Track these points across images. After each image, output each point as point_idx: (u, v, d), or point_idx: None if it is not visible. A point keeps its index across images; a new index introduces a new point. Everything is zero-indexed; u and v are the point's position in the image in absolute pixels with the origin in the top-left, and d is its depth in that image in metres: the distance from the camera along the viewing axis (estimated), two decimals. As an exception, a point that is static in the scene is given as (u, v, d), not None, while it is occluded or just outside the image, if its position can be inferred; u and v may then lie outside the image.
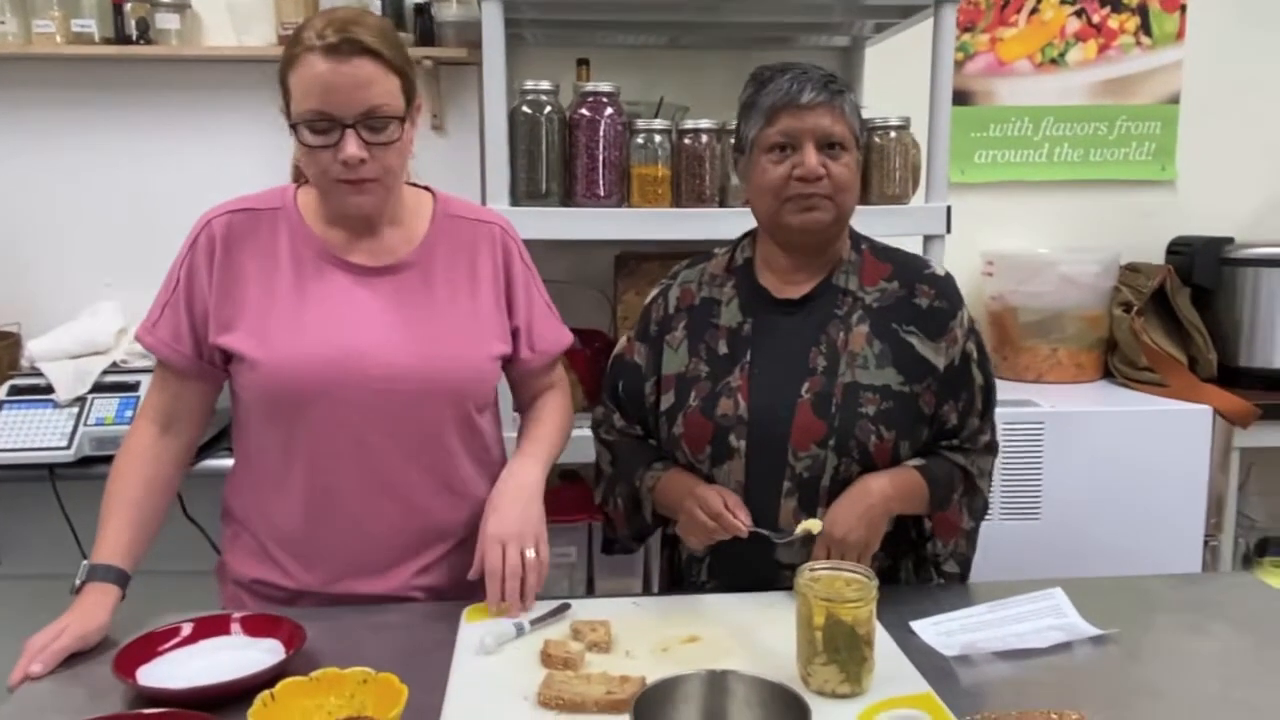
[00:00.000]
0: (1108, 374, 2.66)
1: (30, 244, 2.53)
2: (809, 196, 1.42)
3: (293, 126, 1.36)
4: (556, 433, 1.58)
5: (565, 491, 2.37)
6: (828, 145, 1.42)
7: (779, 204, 1.44)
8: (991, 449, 1.56)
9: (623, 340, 1.64)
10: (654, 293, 1.61)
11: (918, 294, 1.49)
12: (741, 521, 1.37)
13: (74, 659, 1.27)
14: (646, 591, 2.28)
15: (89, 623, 1.30)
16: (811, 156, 1.41)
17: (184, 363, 1.44)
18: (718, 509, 1.38)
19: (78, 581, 1.35)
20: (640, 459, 1.56)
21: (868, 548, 1.40)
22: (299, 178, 1.50)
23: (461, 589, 1.51)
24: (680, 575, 1.60)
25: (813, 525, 1.39)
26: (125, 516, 1.40)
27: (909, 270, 1.52)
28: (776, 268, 1.52)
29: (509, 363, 1.55)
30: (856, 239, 1.54)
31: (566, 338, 1.61)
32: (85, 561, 1.37)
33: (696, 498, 1.41)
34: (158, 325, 1.44)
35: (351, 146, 1.33)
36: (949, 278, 1.53)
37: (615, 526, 1.65)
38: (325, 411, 1.40)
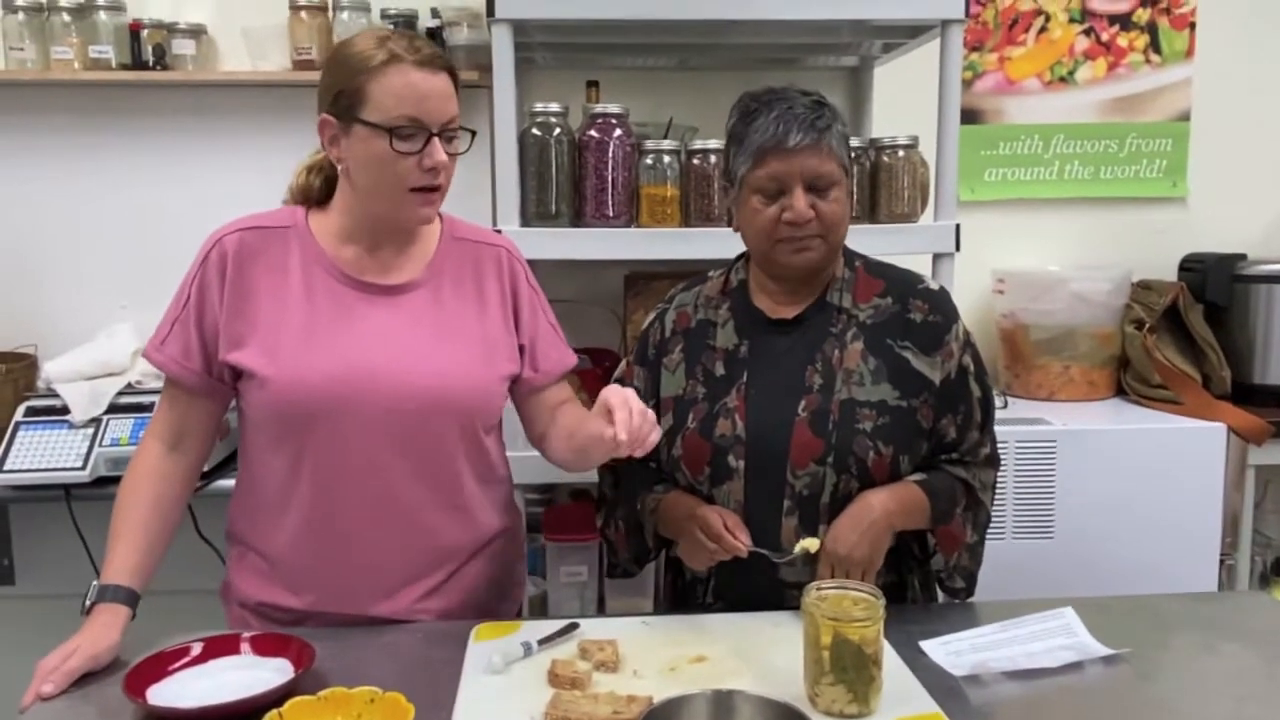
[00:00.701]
0: (1120, 392, 2.65)
1: (48, 266, 2.56)
2: (800, 239, 1.43)
3: (368, 129, 1.35)
4: None
5: (575, 510, 2.38)
6: (816, 185, 1.42)
7: (770, 245, 1.45)
8: (992, 461, 1.56)
9: (622, 364, 1.65)
10: (650, 317, 1.62)
11: (911, 309, 1.49)
12: (741, 542, 1.38)
13: (85, 679, 1.28)
14: (657, 611, 2.28)
15: (100, 643, 1.31)
16: (800, 200, 1.41)
17: (193, 380, 1.45)
18: (718, 531, 1.38)
19: (88, 602, 1.36)
20: (641, 482, 1.57)
21: (871, 564, 1.39)
22: (305, 200, 1.51)
23: (468, 610, 1.52)
24: (684, 597, 1.60)
25: (810, 544, 1.39)
26: (134, 537, 1.41)
27: (902, 285, 1.52)
28: (770, 290, 1.53)
29: (514, 384, 1.55)
30: (850, 256, 1.55)
31: (571, 359, 1.61)
32: (95, 582, 1.38)
33: (697, 519, 1.41)
34: (167, 342, 1.45)
35: (440, 153, 1.38)
36: (943, 292, 1.54)
37: (617, 550, 1.65)
38: (333, 429, 1.41)
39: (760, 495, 1.45)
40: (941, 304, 1.51)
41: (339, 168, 1.44)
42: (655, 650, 1.34)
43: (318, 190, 1.50)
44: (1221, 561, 2.39)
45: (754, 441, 1.45)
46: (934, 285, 1.54)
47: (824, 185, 1.42)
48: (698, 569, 1.47)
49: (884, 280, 1.53)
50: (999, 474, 1.60)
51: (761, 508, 1.45)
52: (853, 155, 1.52)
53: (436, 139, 1.38)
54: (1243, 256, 2.63)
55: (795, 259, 1.45)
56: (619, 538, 1.62)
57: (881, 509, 1.41)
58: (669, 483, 1.55)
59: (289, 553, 1.47)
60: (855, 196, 1.53)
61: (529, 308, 1.56)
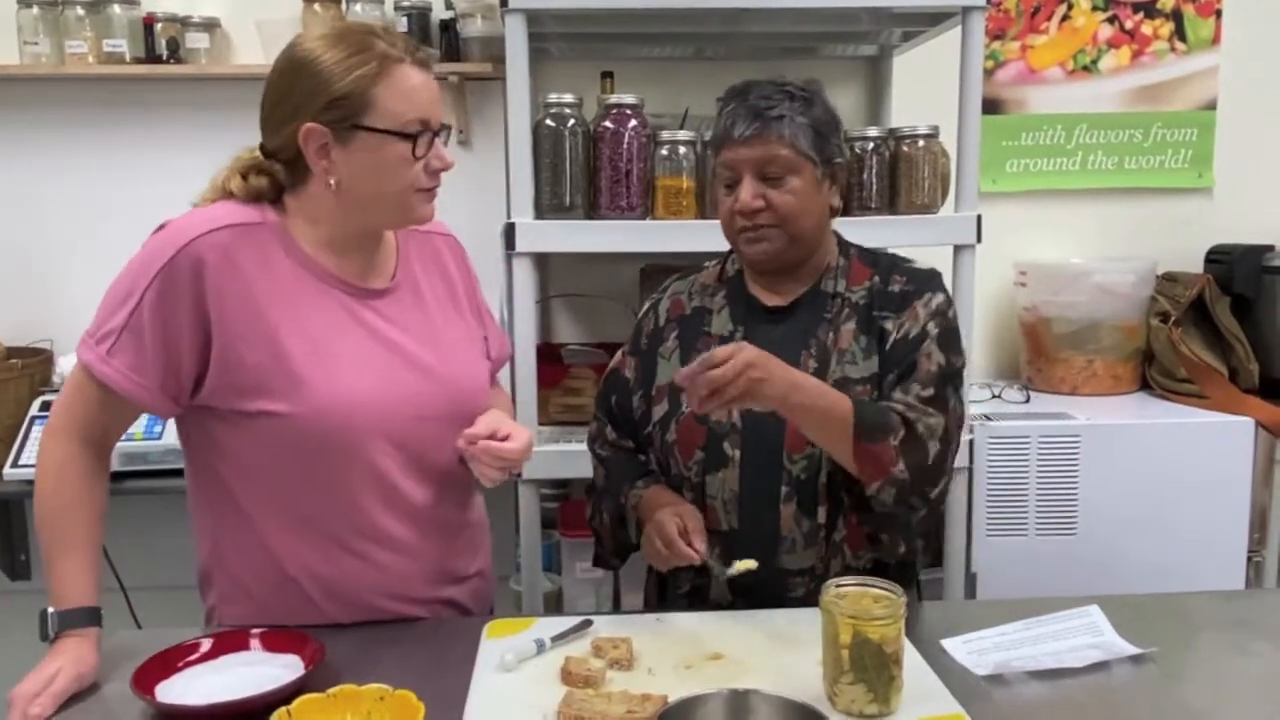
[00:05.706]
0: (1145, 386, 2.60)
1: (63, 261, 2.56)
2: (754, 229, 1.44)
3: (377, 135, 1.27)
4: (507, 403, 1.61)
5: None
6: (767, 174, 1.42)
7: (733, 235, 1.47)
8: (945, 412, 1.41)
9: (618, 355, 1.65)
10: (645, 306, 1.64)
11: (892, 283, 1.50)
12: (696, 550, 1.36)
13: (68, 701, 1.21)
14: (658, 608, 2.26)
15: (82, 664, 1.24)
16: (745, 191, 1.42)
17: (143, 396, 1.30)
18: (671, 537, 1.37)
19: (51, 633, 1.26)
20: (627, 476, 1.56)
21: (736, 400, 1.29)
22: (258, 202, 1.38)
23: (482, 609, 1.50)
24: (666, 589, 1.58)
25: (748, 564, 1.37)
26: (83, 554, 1.31)
27: (889, 266, 1.53)
28: (762, 280, 1.53)
29: None
30: (845, 246, 1.55)
31: (509, 345, 1.66)
32: (51, 609, 1.27)
33: (655, 523, 1.40)
34: (114, 353, 1.28)
35: (447, 154, 1.35)
36: (931, 272, 1.53)
37: (602, 542, 1.64)
38: (359, 449, 1.34)
39: (756, 483, 1.44)
40: (922, 279, 1.50)
41: (329, 180, 1.31)
42: (670, 648, 1.31)
43: (268, 190, 1.38)
44: (1249, 558, 2.35)
45: (750, 429, 1.44)
46: (924, 267, 1.53)
47: (775, 174, 1.42)
48: (659, 569, 1.47)
49: (874, 267, 1.53)
50: (962, 438, 1.51)
51: (757, 495, 1.44)
52: (840, 143, 1.48)
53: (438, 139, 1.34)
54: (1270, 247, 2.57)
55: (750, 250, 1.46)
56: (604, 530, 1.61)
57: (783, 369, 1.32)
58: (651, 476, 1.54)
59: (305, 572, 1.38)
60: (845, 185, 1.50)
61: (478, 297, 1.56)
